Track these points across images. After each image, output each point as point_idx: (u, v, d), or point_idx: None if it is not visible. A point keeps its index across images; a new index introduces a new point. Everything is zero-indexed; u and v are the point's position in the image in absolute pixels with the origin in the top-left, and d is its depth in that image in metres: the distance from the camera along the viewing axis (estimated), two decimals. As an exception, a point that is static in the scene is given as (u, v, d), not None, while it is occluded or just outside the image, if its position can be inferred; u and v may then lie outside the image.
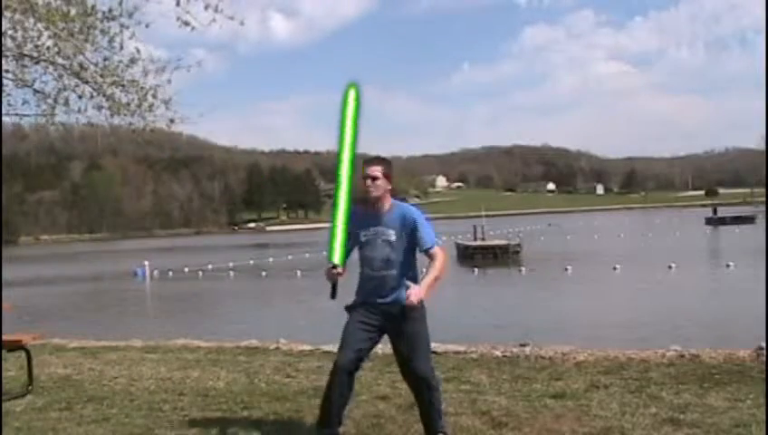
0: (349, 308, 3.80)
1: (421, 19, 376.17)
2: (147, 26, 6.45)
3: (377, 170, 3.68)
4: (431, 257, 3.66)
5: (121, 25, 6.34)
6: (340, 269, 3.66)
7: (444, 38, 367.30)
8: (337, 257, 3.67)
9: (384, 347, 6.70)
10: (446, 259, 3.68)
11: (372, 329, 3.73)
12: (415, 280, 3.69)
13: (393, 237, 3.69)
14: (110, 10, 6.32)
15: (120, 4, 6.29)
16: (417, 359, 3.67)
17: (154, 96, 6.56)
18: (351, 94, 3.81)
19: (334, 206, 3.74)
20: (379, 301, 3.71)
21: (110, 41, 6.36)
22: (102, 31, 6.32)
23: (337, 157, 3.74)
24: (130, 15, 6.33)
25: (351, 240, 3.76)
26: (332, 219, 3.73)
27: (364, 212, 3.76)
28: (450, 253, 41.56)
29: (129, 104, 6.54)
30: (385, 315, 3.70)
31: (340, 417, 3.77)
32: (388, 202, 3.76)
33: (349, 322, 3.76)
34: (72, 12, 6.10)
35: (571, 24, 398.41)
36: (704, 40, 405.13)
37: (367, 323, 3.72)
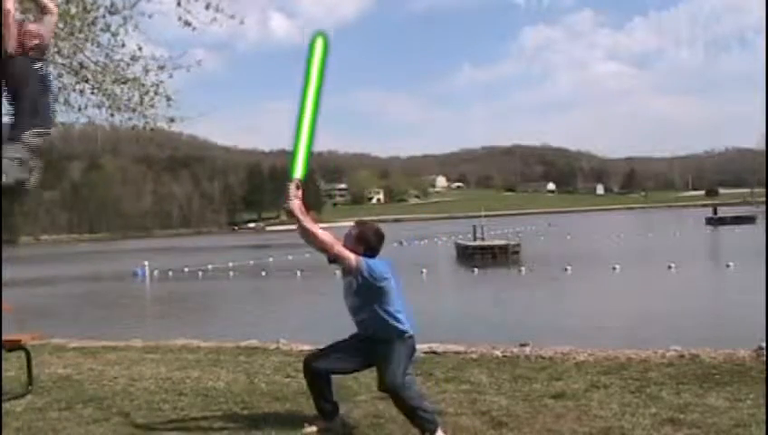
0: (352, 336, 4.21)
1: (421, 19, 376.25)
2: (150, 17, 6.46)
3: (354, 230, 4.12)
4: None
5: (124, 18, 6.34)
6: (296, 183, 4.05)
7: (443, 38, 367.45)
8: (300, 172, 4.09)
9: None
10: (335, 244, 4.00)
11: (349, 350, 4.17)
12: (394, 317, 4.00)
13: (355, 285, 4.02)
14: (113, 4, 6.33)
15: None
16: (387, 373, 3.92)
17: (156, 93, 6.57)
18: (319, 43, 4.10)
19: (298, 129, 4.07)
20: (364, 333, 4.10)
21: (113, 35, 6.36)
22: (104, 27, 6.32)
23: (303, 91, 4.05)
24: (133, 6, 6.34)
25: None
26: (297, 134, 4.09)
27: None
28: (450, 253, 41.58)
29: (129, 101, 6.54)
30: (373, 344, 4.05)
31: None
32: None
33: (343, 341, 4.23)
34: (73, 10, 6.10)
35: (571, 24, 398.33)
36: (703, 40, 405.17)
37: (351, 347, 4.18)
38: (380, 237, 4.16)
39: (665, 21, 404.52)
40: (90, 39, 6.33)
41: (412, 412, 3.89)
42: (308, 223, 4.01)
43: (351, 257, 3.97)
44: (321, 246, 4.01)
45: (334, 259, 4.02)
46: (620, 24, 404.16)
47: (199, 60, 6.95)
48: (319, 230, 4.03)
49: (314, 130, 4.09)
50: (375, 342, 4.01)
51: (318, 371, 4.12)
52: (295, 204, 4.01)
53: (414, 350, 4.11)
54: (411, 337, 4.06)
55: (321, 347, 4.36)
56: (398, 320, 4.01)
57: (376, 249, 4.11)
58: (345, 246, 4.05)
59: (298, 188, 4.07)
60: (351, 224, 4.22)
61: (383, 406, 4.55)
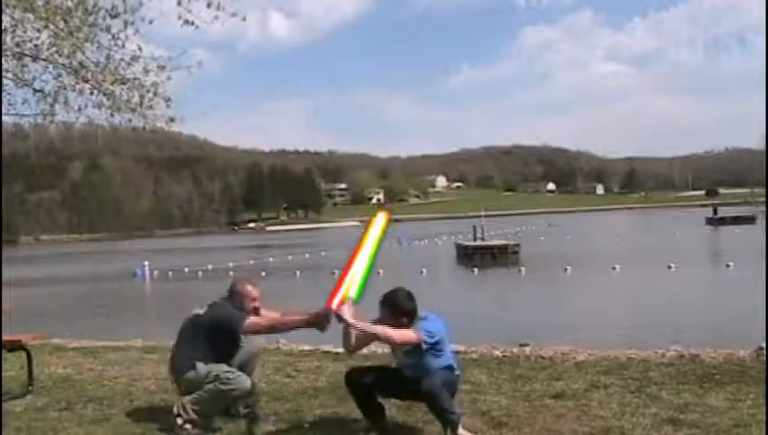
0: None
1: (420, 19, 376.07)
2: (150, 22, 6.44)
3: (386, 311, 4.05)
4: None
5: (125, 22, 6.33)
6: (346, 304, 4.00)
7: (443, 38, 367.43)
8: (354, 293, 4.05)
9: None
10: (400, 335, 3.95)
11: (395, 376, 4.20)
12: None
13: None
14: (114, 7, 6.32)
15: (124, 0, 6.29)
16: (424, 381, 3.91)
17: (155, 93, 6.56)
18: (382, 219, 4.29)
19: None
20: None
21: (113, 38, 6.35)
22: (104, 29, 6.31)
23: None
24: (134, 12, 6.33)
25: None
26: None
27: None
28: (450, 253, 41.55)
29: (129, 101, 6.53)
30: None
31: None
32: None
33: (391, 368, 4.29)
34: (73, 10, 6.10)
35: (571, 24, 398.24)
36: (703, 40, 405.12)
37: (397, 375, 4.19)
38: (411, 298, 4.06)
39: (664, 21, 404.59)
40: (90, 39, 6.32)
41: (440, 415, 3.90)
42: (384, 332, 3.97)
43: (413, 338, 3.93)
44: (400, 344, 4.00)
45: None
46: (620, 24, 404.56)
47: (200, 61, 6.94)
48: (393, 333, 3.96)
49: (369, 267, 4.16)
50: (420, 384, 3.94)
51: (360, 385, 4.18)
52: (356, 322, 4.00)
53: (456, 385, 4.09)
54: (458, 375, 4.12)
55: (369, 365, 4.59)
56: (448, 362, 4.03)
57: (415, 310, 4.03)
58: (390, 324, 3.99)
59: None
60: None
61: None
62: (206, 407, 4.25)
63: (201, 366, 4.32)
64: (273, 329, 4.52)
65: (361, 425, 4.19)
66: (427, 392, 3.88)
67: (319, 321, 4.14)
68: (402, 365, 4.11)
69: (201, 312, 4.53)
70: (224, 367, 4.31)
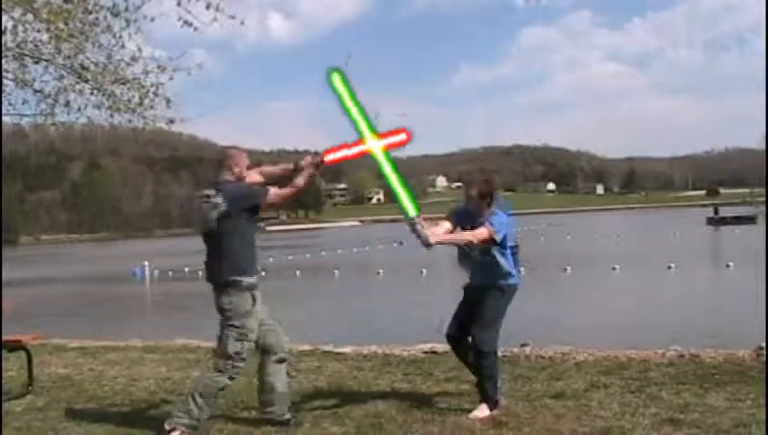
0: (463, 288, 4.62)
1: (419, 19, 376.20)
2: (152, 20, 6.45)
3: (473, 192, 4.40)
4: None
5: (126, 20, 6.34)
6: (419, 218, 4.20)
7: (442, 38, 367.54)
8: (413, 210, 4.19)
9: (383, 348, 6.72)
10: (478, 237, 4.27)
11: (466, 305, 4.49)
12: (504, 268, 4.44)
13: None
14: (115, 5, 6.32)
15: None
16: (478, 326, 4.31)
17: (155, 94, 6.57)
18: (337, 79, 4.22)
19: (383, 173, 4.25)
20: (475, 283, 4.49)
21: (114, 37, 6.36)
22: (104, 29, 6.31)
23: (360, 135, 4.22)
24: (136, 10, 6.33)
25: (452, 214, 4.53)
26: (388, 183, 4.24)
27: (468, 210, 4.46)
28: (450, 253, 41.50)
29: (129, 102, 6.54)
30: (476, 291, 4.45)
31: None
32: (486, 210, 4.39)
33: (460, 302, 4.59)
34: (73, 11, 6.10)
35: (570, 24, 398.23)
36: (702, 40, 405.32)
37: (464, 302, 4.53)
38: (495, 175, 4.67)
39: (663, 21, 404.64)
40: (90, 39, 6.33)
41: (480, 376, 4.29)
42: (462, 238, 4.34)
43: (486, 236, 4.27)
44: (478, 244, 4.31)
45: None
46: (619, 24, 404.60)
47: (200, 63, 6.95)
48: (470, 236, 4.29)
49: (396, 169, 4.27)
50: (482, 289, 4.39)
51: (450, 338, 4.50)
52: (436, 236, 4.24)
53: (511, 299, 4.49)
54: (515, 288, 4.50)
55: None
56: (509, 267, 4.45)
57: (495, 193, 4.47)
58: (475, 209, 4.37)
59: (417, 219, 4.21)
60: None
61: (383, 406, 4.55)
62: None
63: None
64: (286, 196, 4.27)
65: (362, 425, 4.19)
66: (478, 347, 4.26)
67: (308, 162, 4.21)
68: (474, 269, 4.47)
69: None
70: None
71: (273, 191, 4.16)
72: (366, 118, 4.23)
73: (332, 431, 4.14)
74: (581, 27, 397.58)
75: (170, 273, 35.63)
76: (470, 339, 4.35)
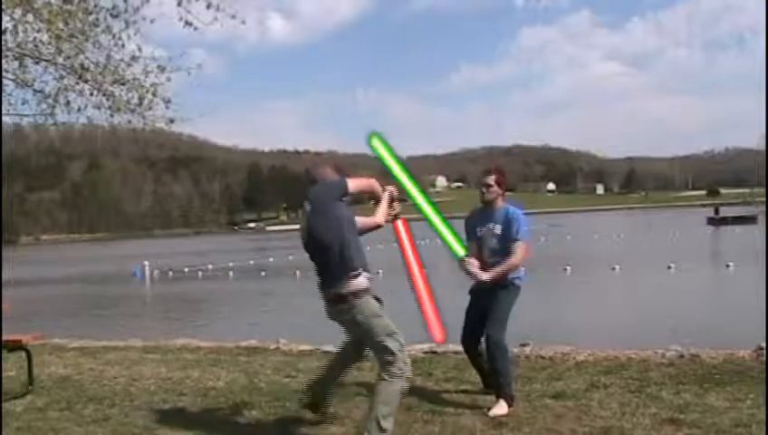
0: (469, 292, 4.75)
1: (419, 20, 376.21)
2: (152, 21, 6.45)
3: (490, 180, 4.61)
4: (512, 250, 4.50)
5: (126, 21, 6.34)
6: (468, 259, 4.51)
7: (442, 39, 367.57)
8: (461, 251, 4.53)
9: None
10: (522, 256, 4.51)
11: (476, 308, 4.65)
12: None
13: (499, 231, 4.58)
14: (114, 7, 6.32)
15: (125, 0, 6.29)
16: (491, 324, 4.45)
17: (154, 94, 6.56)
18: (377, 143, 4.44)
19: (429, 219, 4.51)
20: (484, 284, 4.53)
21: (114, 37, 6.36)
22: (104, 30, 6.31)
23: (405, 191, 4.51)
24: (136, 11, 6.33)
25: (469, 233, 4.70)
26: (435, 229, 4.51)
27: (481, 211, 4.68)
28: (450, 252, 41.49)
29: (129, 102, 6.54)
30: (486, 292, 4.54)
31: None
32: (501, 203, 4.63)
33: (468, 307, 4.74)
34: (74, 12, 6.10)
35: (569, 24, 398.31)
36: (702, 40, 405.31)
37: (473, 306, 4.69)
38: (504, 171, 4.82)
39: (663, 21, 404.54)
40: (90, 40, 6.33)
41: (495, 373, 4.43)
42: (512, 265, 4.50)
43: (526, 250, 4.53)
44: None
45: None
46: (618, 24, 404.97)
47: (200, 63, 6.94)
48: (516, 261, 4.51)
49: (440, 214, 4.56)
50: (493, 289, 4.50)
51: (466, 345, 4.72)
52: (487, 274, 4.49)
53: (518, 296, 4.64)
54: (520, 287, 4.63)
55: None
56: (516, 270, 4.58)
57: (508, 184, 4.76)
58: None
59: (468, 259, 4.54)
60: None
61: (383, 406, 4.55)
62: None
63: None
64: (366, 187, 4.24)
65: (361, 425, 4.18)
66: (492, 341, 4.40)
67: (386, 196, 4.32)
68: (490, 249, 4.59)
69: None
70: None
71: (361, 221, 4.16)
72: (408, 172, 4.51)
73: (332, 431, 4.14)
74: (581, 27, 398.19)
75: (170, 273, 35.64)
76: (483, 339, 4.50)
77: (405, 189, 4.44)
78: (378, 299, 3.87)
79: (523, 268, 4.63)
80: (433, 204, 4.53)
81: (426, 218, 4.50)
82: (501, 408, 4.32)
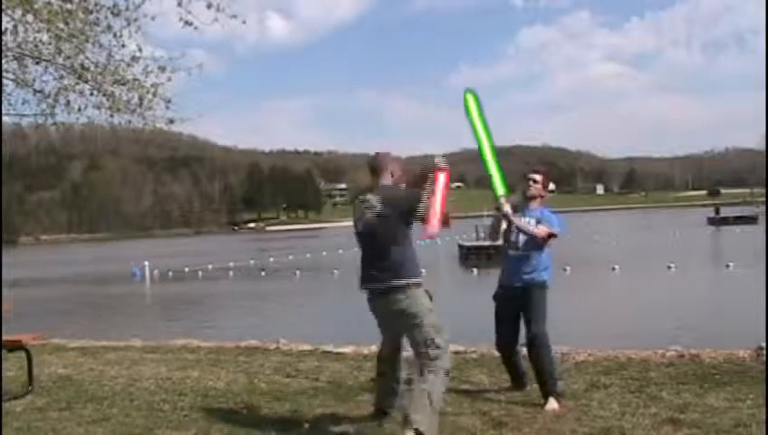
0: (494, 297, 4.79)
1: (419, 20, 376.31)
2: (153, 18, 6.44)
3: (537, 177, 4.78)
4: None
5: (126, 20, 6.33)
6: (504, 198, 4.60)
7: (442, 39, 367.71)
8: (502, 190, 4.64)
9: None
10: (545, 234, 4.58)
11: (508, 309, 4.71)
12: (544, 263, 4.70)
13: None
14: (115, 5, 6.31)
15: None
16: (534, 324, 4.54)
17: (154, 94, 6.55)
18: (471, 99, 4.76)
19: (482, 152, 4.72)
20: (515, 284, 4.63)
21: (114, 36, 6.35)
22: (105, 29, 6.30)
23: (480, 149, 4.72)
24: (137, 8, 6.32)
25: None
26: (485, 163, 4.74)
27: (519, 205, 4.73)
28: (450, 253, 41.52)
29: (129, 102, 6.53)
30: (517, 293, 4.61)
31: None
32: (538, 204, 4.75)
33: (496, 311, 4.79)
34: (74, 12, 6.09)
35: (568, 24, 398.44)
36: (701, 40, 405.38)
37: (504, 308, 4.73)
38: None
39: (662, 21, 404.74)
40: (91, 40, 6.32)
41: (543, 372, 4.46)
42: (533, 231, 4.58)
43: (550, 232, 4.60)
44: (543, 240, 4.61)
45: None
46: (618, 24, 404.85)
47: (200, 63, 6.92)
48: (539, 231, 4.59)
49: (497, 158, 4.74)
50: (521, 289, 4.60)
51: (503, 349, 4.78)
52: (514, 217, 4.64)
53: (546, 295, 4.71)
54: (547, 288, 4.70)
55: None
56: (546, 268, 4.71)
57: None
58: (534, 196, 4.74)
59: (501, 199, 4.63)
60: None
61: (383, 406, 4.55)
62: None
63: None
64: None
65: (361, 425, 4.19)
66: (537, 338, 4.48)
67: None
68: (516, 243, 4.66)
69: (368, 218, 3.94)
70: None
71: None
72: (489, 136, 4.72)
73: (333, 431, 4.14)
74: (581, 27, 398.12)
75: (170, 273, 35.65)
76: (527, 340, 4.55)
77: (480, 149, 4.70)
78: (429, 295, 3.95)
79: (549, 268, 4.73)
80: (493, 148, 4.70)
81: (481, 152, 4.69)
82: (553, 404, 4.38)
